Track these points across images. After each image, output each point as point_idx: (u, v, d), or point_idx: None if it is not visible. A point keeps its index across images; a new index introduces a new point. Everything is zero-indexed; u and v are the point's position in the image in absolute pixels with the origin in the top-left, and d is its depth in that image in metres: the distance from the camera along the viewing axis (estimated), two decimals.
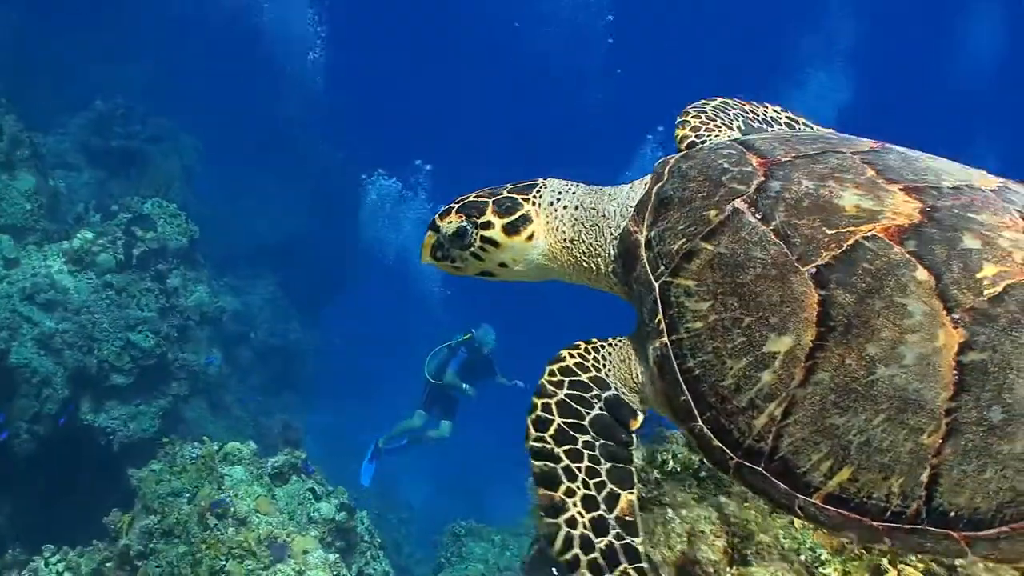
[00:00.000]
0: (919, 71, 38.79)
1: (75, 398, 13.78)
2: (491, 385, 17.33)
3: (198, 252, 15.52)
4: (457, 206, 2.89)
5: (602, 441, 2.42)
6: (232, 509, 9.00)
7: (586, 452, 2.38)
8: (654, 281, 2.46)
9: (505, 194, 2.90)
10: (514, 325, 22.25)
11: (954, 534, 2.08)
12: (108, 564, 9.41)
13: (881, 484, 2.11)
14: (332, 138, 27.47)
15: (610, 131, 34.88)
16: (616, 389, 2.52)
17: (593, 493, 2.32)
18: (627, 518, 2.29)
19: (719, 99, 3.24)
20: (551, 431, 2.41)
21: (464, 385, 17.02)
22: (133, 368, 13.99)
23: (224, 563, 8.55)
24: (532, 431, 2.43)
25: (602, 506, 2.30)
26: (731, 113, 3.19)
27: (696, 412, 2.31)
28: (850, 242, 2.21)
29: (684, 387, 2.33)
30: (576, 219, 2.84)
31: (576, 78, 39.81)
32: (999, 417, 2.02)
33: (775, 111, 3.35)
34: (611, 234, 2.75)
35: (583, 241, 2.82)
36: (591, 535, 2.25)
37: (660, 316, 2.41)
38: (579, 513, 2.29)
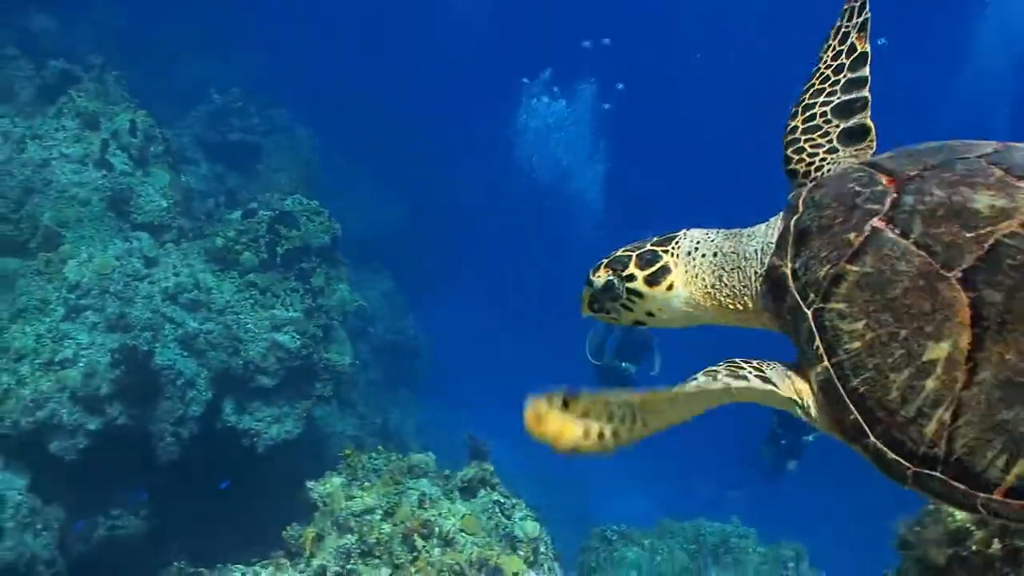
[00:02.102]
0: None
1: (218, 400, 13.50)
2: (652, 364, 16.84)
3: (338, 249, 15.10)
4: (607, 261, 3.02)
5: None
6: (437, 529, 8.55)
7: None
8: (806, 309, 2.50)
9: (647, 247, 3.01)
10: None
11: None
12: None
13: None
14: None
15: None
16: (773, 375, 2.55)
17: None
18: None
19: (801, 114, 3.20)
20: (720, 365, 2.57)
21: (623, 364, 16.60)
22: (279, 369, 13.65)
23: None
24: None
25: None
26: (819, 105, 3.18)
27: (867, 429, 2.33)
28: (991, 242, 2.23)
29: (851, 406, 2.36)
30: (716, 265, 2.91)
31: None
32: None
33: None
34: (755, 273, 2.80)
35: (725, 285, 2.89)
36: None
37: (817, 342, 2.44)
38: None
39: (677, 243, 2.99)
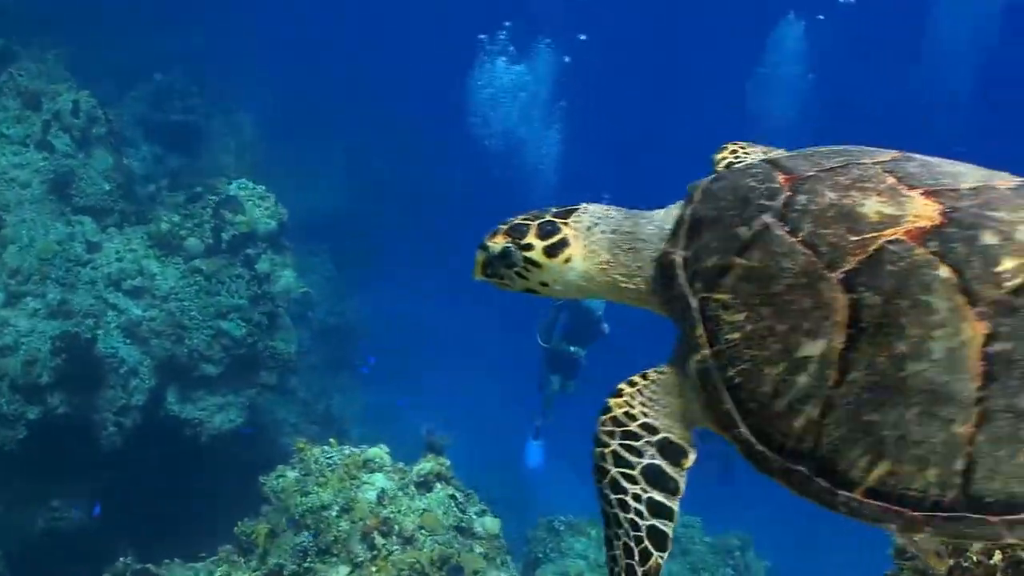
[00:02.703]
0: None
1: (161, 388, 13.25)
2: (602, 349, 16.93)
3: (284, 235, 14.84)
4: (505, 228, 3.02)
5: (650, 495, 2.55)
6: (397, 527, 8.40)
7: (632, 505, 2.53)
8: (692, 297, 2.56)
9: (548, 218, 3.00)
10: None
11: (992, 518, 2.18)
12: None
13: (918, 475, 2.21)
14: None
15: None
16: (666, 430, 2.62)
17: (632, 545, 2.50)
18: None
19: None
20: (607, 480, 2.57)
21: (571, 348, 16.68)
22: (224, 358, 13.42)
23: None
24: (596, 476, 2.59)
25: (636, 558, 2.49)
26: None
27: (738, 419, 2.40)
28: (875, 247, 2.30)
29: (726, 396, 2.42)
30: (613, 243, 2.93)
31: None
32: None
33: None
34: (649, 256, 2.84)
35: (621, 263, 2.91)
36: None
37: (700, 330, 2.50)
38: (619, 555, 2.51)
39: (578, 216, 3.00)
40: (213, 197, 14.08)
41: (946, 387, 2.17)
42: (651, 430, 2.61)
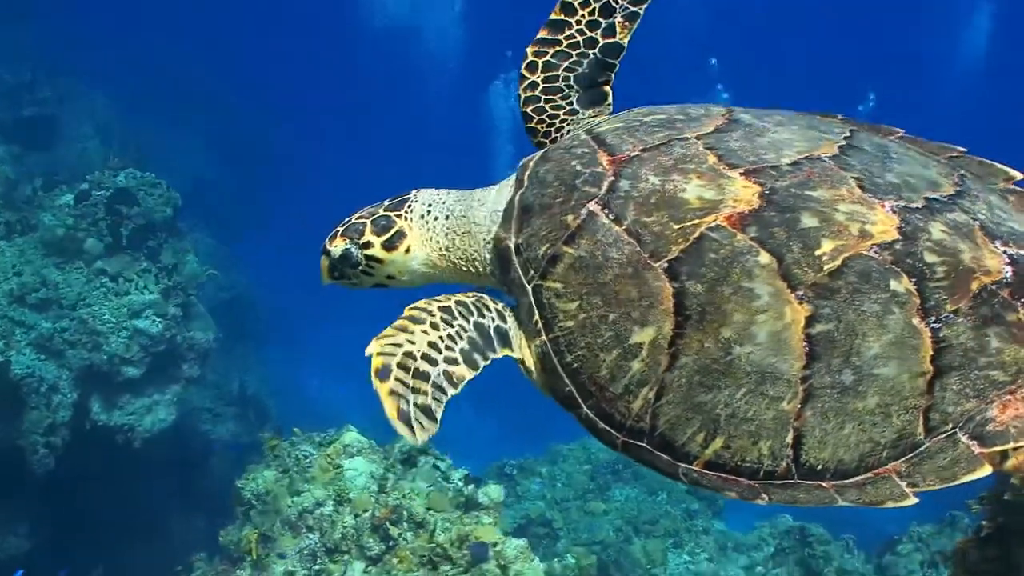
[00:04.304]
0: None
1: (84, 399, 12.65)
2: None
3: (179, 220, 14.17)
4: (342, 229, 3.10)
5: (472, 333, 2.59)
6: (405, 513, 8.08)
7: (456, 323, 2.58)
8: (526, 284, 2.63)
9: (381, 212, 3.10)
10: None
11: (824, 484, 2.35)
12: None
13: (752, 448, 2.36)
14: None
15: None
16: (510, 329, 2.68)
17: (440, 347, 2.50)
18: (454, 379, 2.47)
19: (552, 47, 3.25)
20: (436, 306, 2.61)
21: None
22: (144, 357, 12.86)
23: (416, 573, 7.71)
24: (424, 306, 2.61)
25: (441, 363, 2.47)
26: (563, 69, 3.23)
27: (580, 400, 2.51)
28: (696, 235, 2.40)
29: (566, 379, 2.53)
30: (448, 228, 3.04)
31: None
32: (850, 379, 2.29)
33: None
34: (484, 239, 2.94)
35: (458, 248, 3.02)
36: (411, 365, 2.41)
37: (536, 316, 2.59)
38: (416, 352, 2.45)
39: (410, 206, 3.11)
40: (102, 192, 13.31)
41: (772, 367, 2.32)
42: (502, 318, 2.69)
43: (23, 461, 12.12)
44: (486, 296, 2.74)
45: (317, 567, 8.04)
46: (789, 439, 2.34)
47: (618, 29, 3.17)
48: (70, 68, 20.25)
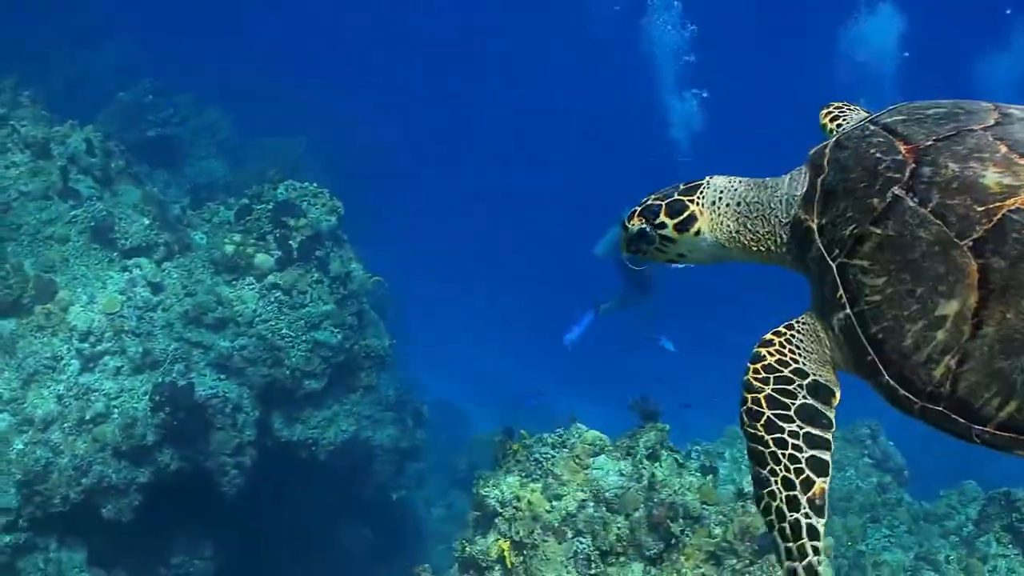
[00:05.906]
0: None
1: (265, 416, 12.50)
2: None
3: (341, 228, 13.98)
4: (639, 210, 3.40)
5: (806, 429, 2.76)
6: (681, 509, 7.82)
7: (790, 440, 2.73)
8: (832, 262, 2.81)
9: (676, 196, 3.36)
10: None
11: None
12: None
13: None
14: None
15: None
16: (814, 374, 2.87)
17: (792, 477, 2.66)
18: (817, 501, 2.64)
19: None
20: (762, 422, 2.77)
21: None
22: (326, 369, 12.68)
23: (701, 570, 7.46)
24: (746, 419, 2.80)
25: (798, 487, 2.65)
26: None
27: (882, 368, 2.69)
28: (999, 216, 2.53)
29: (869, 349, 2.71)
30: (739, 213, 3.25)
31: None
32: None
33: None
34: (779, 221, 3.14)
35: (748, 231, 3.23)
36: (784, 509, 2.62)
37: (841, 291, 2.77)
38: (778, 489, 2.65)
39: (702, 192, 3.34)
40: (263, 206, 13.11)
41: None
42: (801, 375, 2.87)
43: (211, 483, 11.99)
44: (778, 368, 2.89)
45: (593, 572, 7.78)
46: None
47: None
48: (185, 86, 20.17)
